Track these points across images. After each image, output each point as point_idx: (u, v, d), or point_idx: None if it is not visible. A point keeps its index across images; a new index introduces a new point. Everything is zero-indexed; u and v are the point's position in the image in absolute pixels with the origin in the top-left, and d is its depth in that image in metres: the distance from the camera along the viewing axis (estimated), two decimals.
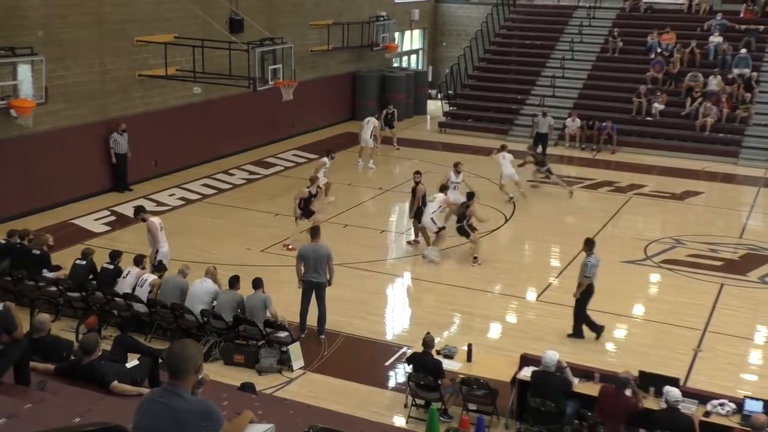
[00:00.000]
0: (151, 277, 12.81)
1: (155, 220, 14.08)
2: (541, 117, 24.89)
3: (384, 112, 25.63)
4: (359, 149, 23.38)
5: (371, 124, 23.21)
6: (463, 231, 16.00)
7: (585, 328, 12.85)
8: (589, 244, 12.81)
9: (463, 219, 15.98)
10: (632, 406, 9.41)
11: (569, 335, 12.83)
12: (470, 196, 16.32)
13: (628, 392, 9.45)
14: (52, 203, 18.59)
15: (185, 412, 4.83)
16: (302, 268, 12.56)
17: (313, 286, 12.58)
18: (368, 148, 23.20)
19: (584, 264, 12.63)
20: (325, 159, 19.24)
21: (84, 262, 13.28)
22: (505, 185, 20.03)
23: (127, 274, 12.91)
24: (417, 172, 17.22)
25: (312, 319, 12.69)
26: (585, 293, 12.67)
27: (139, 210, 14.48)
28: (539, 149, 24.12)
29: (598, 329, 12.86)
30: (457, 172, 17.92)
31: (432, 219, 16.11)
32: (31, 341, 8.33)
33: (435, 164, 23.74)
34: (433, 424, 9.32)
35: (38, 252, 13.67)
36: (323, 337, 12.64)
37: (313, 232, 12.91)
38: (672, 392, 9.05)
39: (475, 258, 16.04)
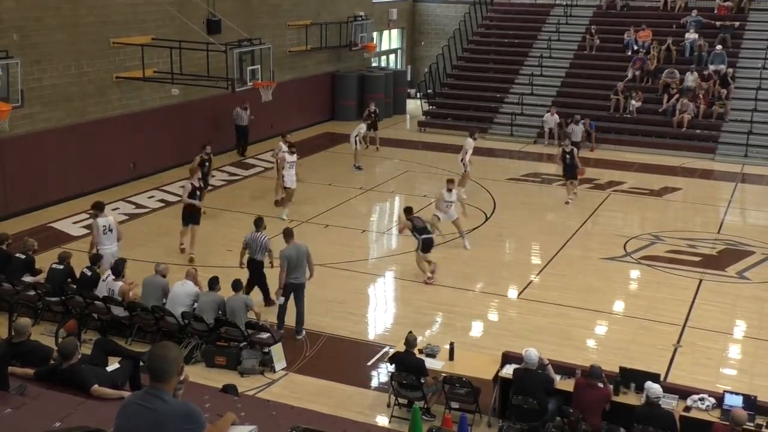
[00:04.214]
0: (118, 285, 12.59)
1: (101, 221, 13.82)
2: (574, 125, 24.63)
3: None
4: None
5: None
6: None
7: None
8: (257, 223, 13.64)
9: None
10: (606, 394, 9.54)
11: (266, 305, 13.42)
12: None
13: (600, 384, 9.56)
14: (30, 207, 18.43)
15: (168, 415, 4.80)
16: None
17: (294, 288, 12.56)
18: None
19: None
20: (470, 140, 20.31)
21: (61, 267, 13.14)
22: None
23: (107, 277, 12.80)
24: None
25: (289, 320, 12.67)
26: (254, 270, 13.54)
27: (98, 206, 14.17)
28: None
29: (268, 300, 13.53)
30: (449, 191, 16.64)
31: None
32: (11, 345, 8.26)
33: (416, 164, 23.77)
34: (416, 424, 9.33)
35: (24, 256, 13.53)
36: (300, 336, 12.62)
37: (287, 234, 12.92)
38: (653, 388, 9.10)
39: None
